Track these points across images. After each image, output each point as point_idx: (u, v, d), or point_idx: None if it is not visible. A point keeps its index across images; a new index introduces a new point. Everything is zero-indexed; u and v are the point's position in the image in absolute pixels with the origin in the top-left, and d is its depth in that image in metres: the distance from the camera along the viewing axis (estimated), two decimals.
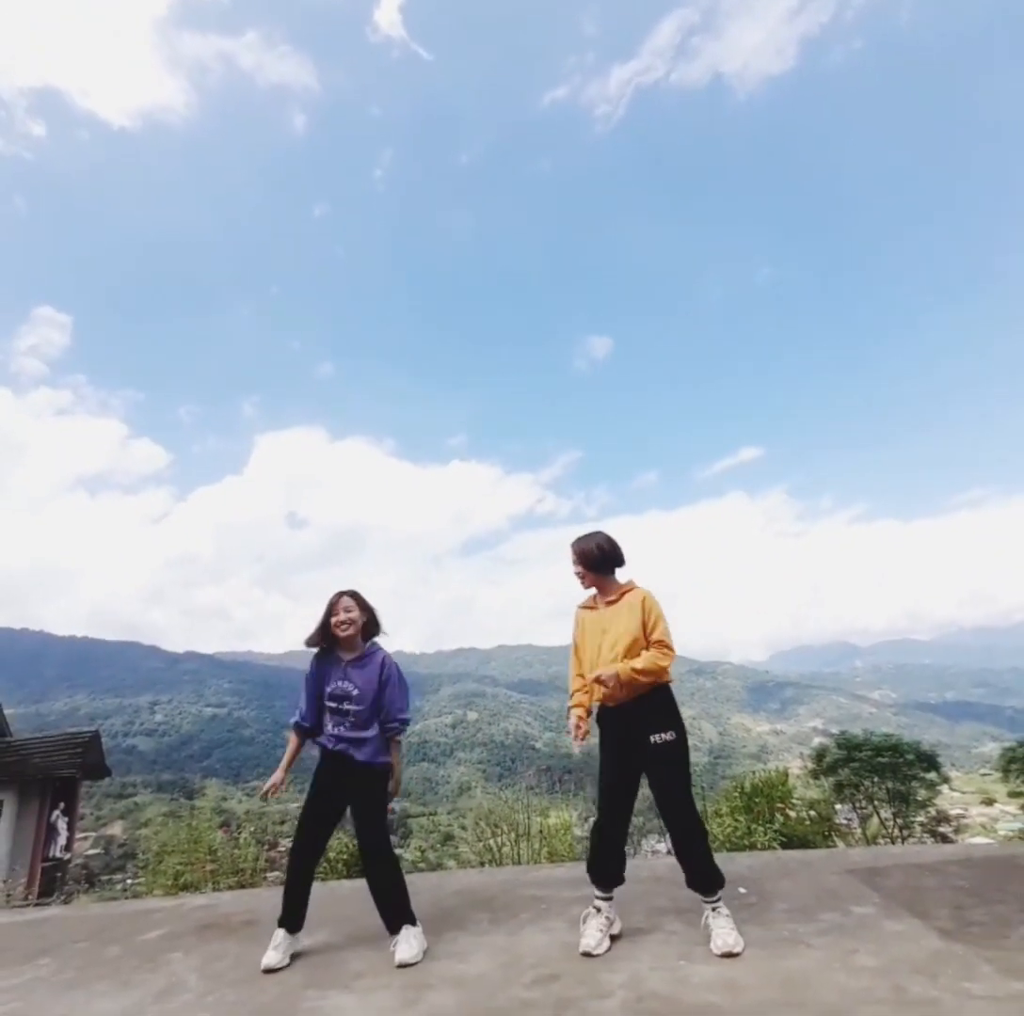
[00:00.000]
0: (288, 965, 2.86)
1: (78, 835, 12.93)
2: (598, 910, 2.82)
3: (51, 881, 10.04)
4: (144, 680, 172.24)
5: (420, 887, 3.50)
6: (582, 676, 2.96)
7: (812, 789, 7.31)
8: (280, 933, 2.91)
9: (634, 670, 2.72)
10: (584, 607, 3.11)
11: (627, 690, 2.81)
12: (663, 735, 2.77)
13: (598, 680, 2.74)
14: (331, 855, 5.77)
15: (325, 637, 3.08)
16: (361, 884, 3.39)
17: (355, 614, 3.06)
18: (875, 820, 7.09)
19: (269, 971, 2.79)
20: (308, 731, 3.10)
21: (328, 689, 3.05)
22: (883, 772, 7.06)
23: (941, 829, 7.05)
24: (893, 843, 6.69)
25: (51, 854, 10.93)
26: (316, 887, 3.11)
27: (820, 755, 7.78)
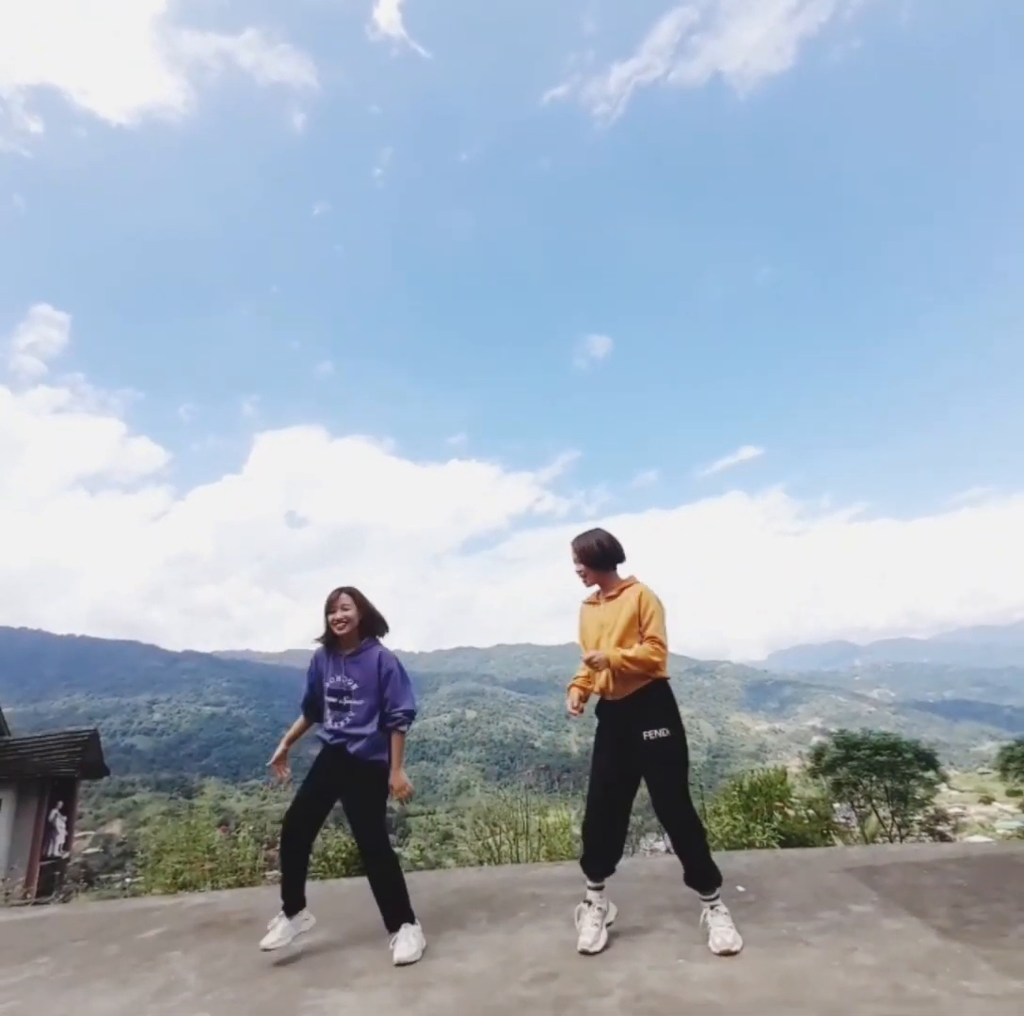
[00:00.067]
0: (288, 961, 2.87)
1: (77, 834, 12.92)
2: (590, 903, 2.82)
3: (50, 880, 10.05)
4: (143, 679, 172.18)
5: (419, 885, 3.50)
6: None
7: (810, 788, 7.32)
8: (278, 916, 2.98)
9: (625, 657, 2.74)
10: (587, 602, 3.13)
11: (621, 683, 2.82)
12: (656, 732, 2.77)
13: (589, 661, 2.79)
14: (330, 854, 5.77)
15: (327, 634, 3.12)
16: (360, 882, 3.39)
17: (351, 612, 3.07)
18: (873, 819, 7.11)
19: (266, 951, 2.87)
20: (309, 715, 3.18)
21: (328, 684, 3.07)
22: (882, 771, 7.07)
23: (939, 828, 7.06)
24: (891, 842, 6.70)
25: (50, 853, 10.93)
26: (315, 886, 3.11)
27: (819, 754, 7.79)
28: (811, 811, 6.40)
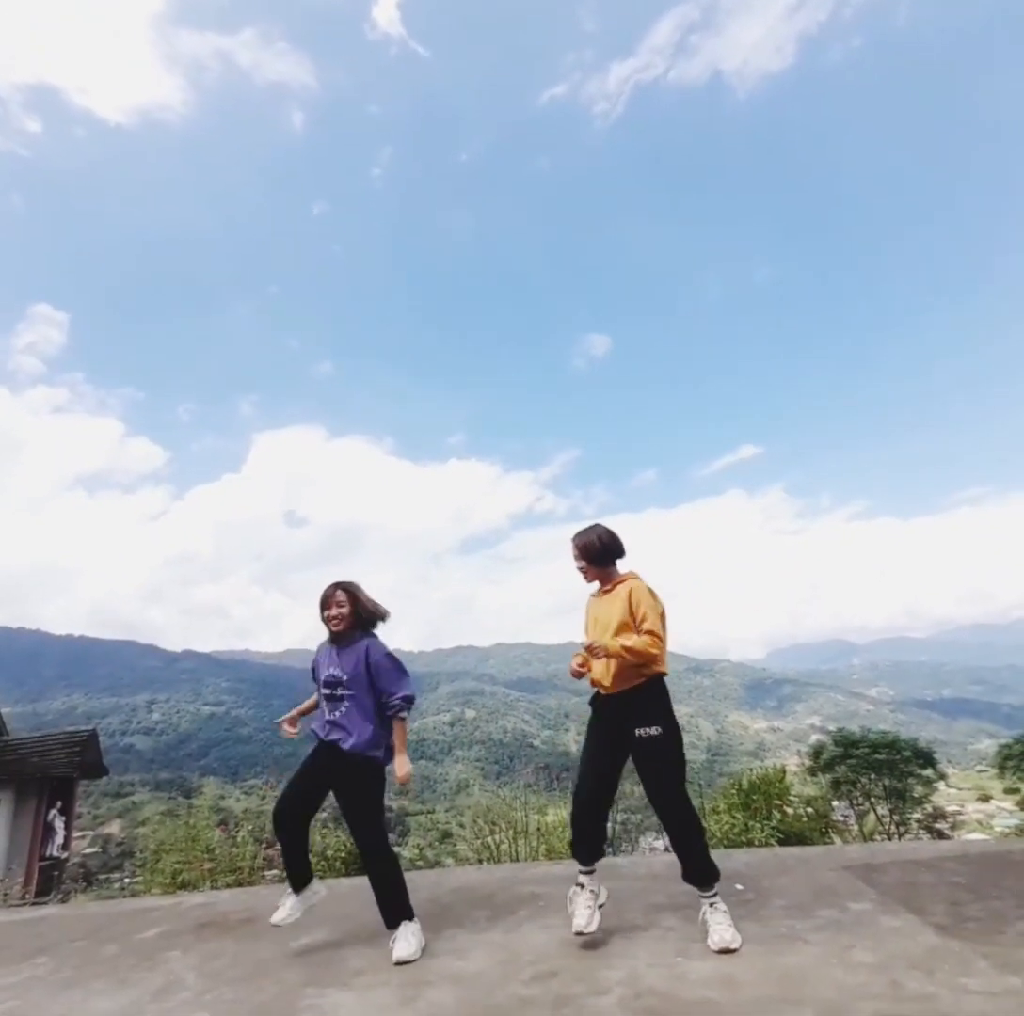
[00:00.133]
0: (287, 960, 2.88)
1: (75, 834, 12.91)
2: (582, 886, 2.87)
3: (48, 880, 10.04)
4: (142, 679, 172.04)
5: (418, 884, 3.50)
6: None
7: (809, 786, 7.34)
8: (287, 892, 3.06)
9: (623, 647, 2.75)
10: (591, 595, 3.16)
11: (618, 679, 2.82)
12: (649, 730, 2.78)
13: (589, 648, 2.80)
14: (329, 853, 5.77)
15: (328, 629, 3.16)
16: (360, 882, 3.38)
17: (346, 609, 3.07)
18: (872, 817, 7.12)
19: (276, 926, 2.99)
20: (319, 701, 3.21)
21: (323, 676, 3.07)
22: (880, 769, 7.09)
23: (937, 825, 7.09)
24: (890, 840, 6.71)
25: (48, 853, 10.91)
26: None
27: (817, 752, 7.81)
28: (810, 809, 6.41)
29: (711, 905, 2.72)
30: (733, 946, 2.56)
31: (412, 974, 2.62)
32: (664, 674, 2.89)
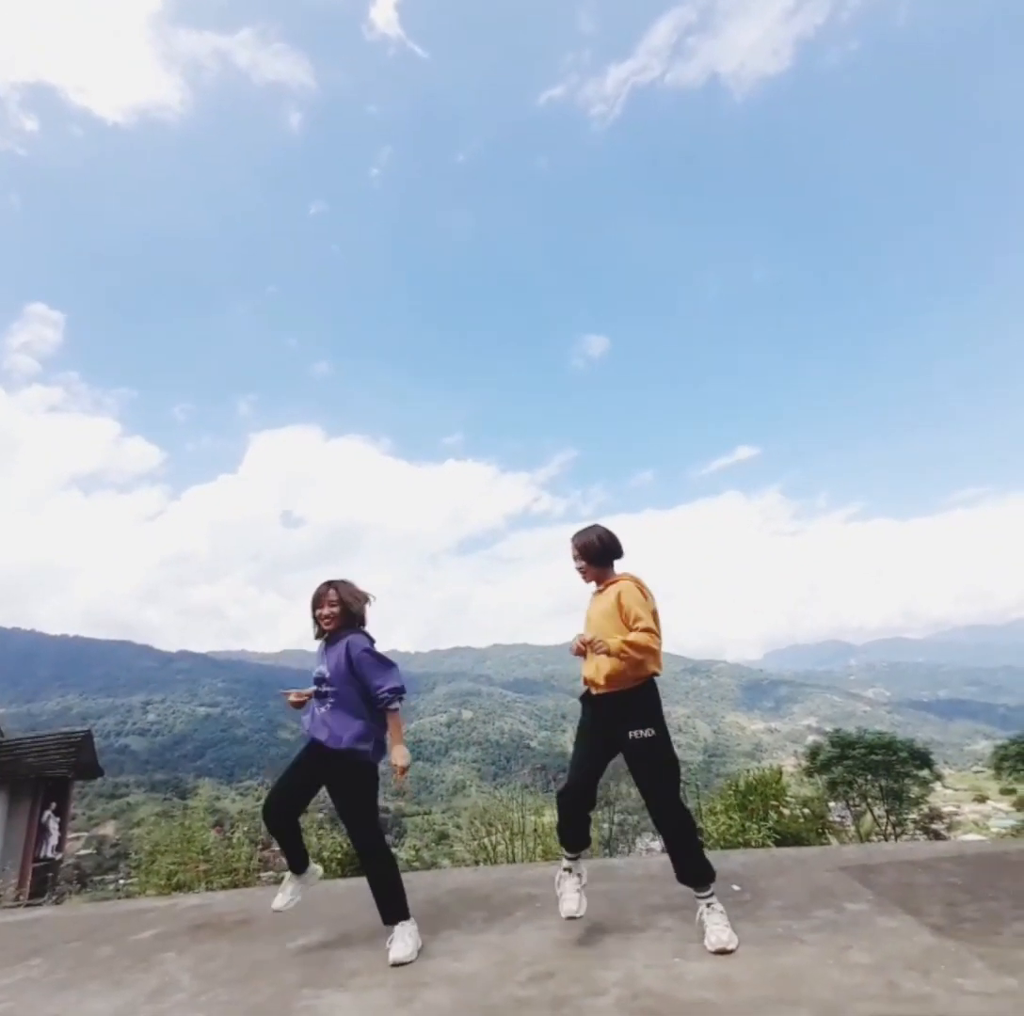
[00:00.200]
0: (283, 961, 2.87)
1: (70, 835, 12.86)
2: (570, 870, 2.93)
3: (42, 881, 9.98)
4: (137, 679, 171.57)
5: (415, 885, 3.49)
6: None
7: (806, 787, 7.35)
8: (287, 876, 3.10)
9: (624, 642, 2.73)
10: (593, 593, 3.15)
11: (612, 679, 2.81)
12: (642, 732, 2.78)
13: (590, 643, 2.77)
14: (325, 854, 5.76)
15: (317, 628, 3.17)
16: (356, 883, 3.38)
17: (337, 608, 3.08)
18: (868, 817, 7.14)
19: (277, 912, 3.03)
20: None
21: (314, 674, 3.09)
22: (876, 770, 7.10)
23: (934, 826, 7.11)
24: (886, 840, 6.73)
25: (43, 854, 10.87)
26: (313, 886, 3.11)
27: (814, 753, 7.83)
28: (806, 810, 6.42)
29: (708, 906, 2.71)
30: (730, 947, 2.56)
31: (408, 975, 2.61)
32: (657, 674, 2.89)
